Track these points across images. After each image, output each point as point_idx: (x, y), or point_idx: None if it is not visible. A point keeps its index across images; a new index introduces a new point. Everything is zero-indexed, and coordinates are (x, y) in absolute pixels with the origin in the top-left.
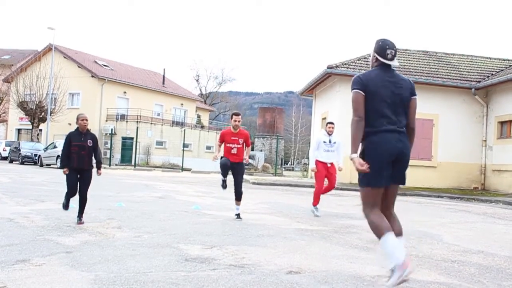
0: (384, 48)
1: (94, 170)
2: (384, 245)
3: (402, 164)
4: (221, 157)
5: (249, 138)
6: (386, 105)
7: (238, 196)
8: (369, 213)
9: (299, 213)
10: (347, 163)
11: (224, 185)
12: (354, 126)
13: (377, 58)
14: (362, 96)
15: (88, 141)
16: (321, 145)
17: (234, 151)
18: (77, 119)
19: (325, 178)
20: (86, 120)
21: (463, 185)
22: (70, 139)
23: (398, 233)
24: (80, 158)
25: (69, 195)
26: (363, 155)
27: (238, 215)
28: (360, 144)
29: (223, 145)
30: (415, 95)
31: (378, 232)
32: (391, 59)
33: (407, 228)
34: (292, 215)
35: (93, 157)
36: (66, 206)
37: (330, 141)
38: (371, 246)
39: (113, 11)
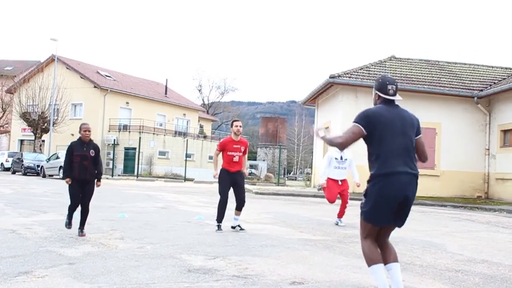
0: (384, 84)
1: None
2: (372, 273)
3: (405, 209)
4: (220, 171)
5: (248, 147)
6: (395, 145)
7: (241, 204)
8: (363, 241)
9: (302, 223)
10: (349, 175)
11: (219, 229)
12: (333, 143)
13: (379, 96)
14: (361, 134)
15: (90, 151)
16: (332, 162)
17: (236, 159)
18: (80, 129)
19: (338, 195)
20: (89, 131)
21: (466, 194)
22: (72, 149)
23: (394, 260)
24: (82, 168)
25: (72, 209)
26: (365, 194)
27: (239, 226)
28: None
29: (220, 154)
30: (420, 134)
31: (367, 261)
32: (393, 95)
33: (410, 238)
34: (295, 225)
35: (97, 168)
36: (69, 224)
37: (341, 158)
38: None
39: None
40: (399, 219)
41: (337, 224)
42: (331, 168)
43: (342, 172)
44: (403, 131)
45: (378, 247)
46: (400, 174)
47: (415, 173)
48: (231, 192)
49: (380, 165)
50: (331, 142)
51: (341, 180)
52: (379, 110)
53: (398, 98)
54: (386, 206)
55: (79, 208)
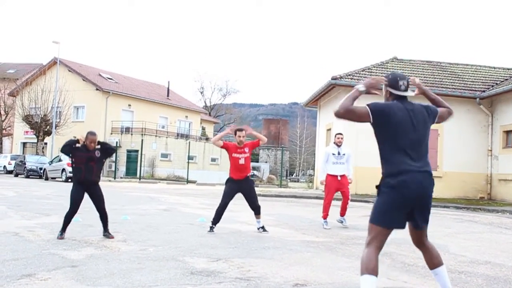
0: (395, 79)
1: (100, 184)
2: (361, 283)
3: (424, 207)
4: (227, 179)
5: (255, 143)
6: (407, 142)
7: (257, 210)
8: (366, 246)
9: (305, 225)
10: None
11: (211, 230)
12: (337, 106)
13: (391, 92)
14: (364, 117)
15: (96, 152)
16: (330, 158)
17: (241, 161)
18: (86, 138)
19: (337, 191)
20: (95, 142)
21: (469, 195)
22: (75, 149)
23: (438, 263)
24: (88, 169)
25: (69, 216)
26: (379, 190)
27: (263, 228)
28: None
29: (228, 157)
30: (436, 116)
31: (361, 268)
32: (405, 90)
33: None
34: (297, 226)
35: (101, 169)
36: (61, 234)
37: (339, 153)
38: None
39: (117, 24)
40: (421, 218)
41: (341, 223)
42: (328, 164)
43: (340, 168)
44: (416, 128)
45: (422, 251)
46: (413, 172)
47: (429, 170)
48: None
49: (392, 164)
50: (343, 100)
51: (340, 176)
52: (392, 106)
53: (410, 94)
54: (398, 206)
55: (79, 211)
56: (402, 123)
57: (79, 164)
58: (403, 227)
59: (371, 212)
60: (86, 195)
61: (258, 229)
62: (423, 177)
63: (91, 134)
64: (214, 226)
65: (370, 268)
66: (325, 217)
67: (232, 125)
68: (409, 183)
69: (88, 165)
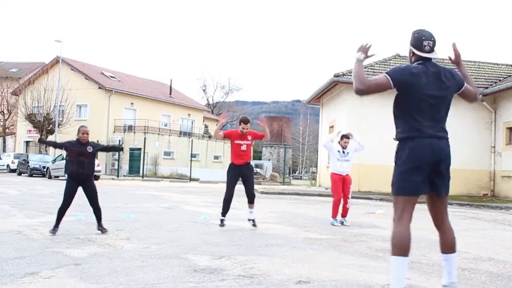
0: (420, 39)
1: (103, 182)
2: (392, 265)
3: (443, 172)
4: (229, 166)
5: (258, 135)
6: (428, 106)
7: (251, 198)
8: (395, 222)
9: (308, 222)
10: (354, 171)
11: (222, 223)
12: (354, 83)
13: (414, 52)
14: (387, 85)
15: (88, 147)
16: (335, 154)
17: (243, 147)
18: (78, 131)
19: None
20: (87, 133)
21: (472, 192)
22: (67, 144)
23: (450, 249)
24: (79, 164)
25: (62, 210)
26: (396, 158)
27: (253, 222)
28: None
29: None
30: (462, 86)
31: (392, 248)
32: (430, 51)
33: (417, 236)
34: (300, 224)
35: (94, 164)
36: (54, 229)
37: (343, 152)
38: (381, 255)
39: (119, 23)
40: (441, 185)
41: (342, 224)
42: (333, 161)
43: (344, 165)
44: (438, 92)
45: (438, 231)
46: (430, 136)
47: (445, 136)
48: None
49: (408, 127)
50: (354, 77)
51: (345, 173)
52: (413, 68)
53: (435, 56)
54: (417, 170)
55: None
56: (422, 87)
57: (70, 158)
58: (427, 191)
59: (393, 184)
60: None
61: (249, 220)
62: (438, 141)
63: (82, 126)
64: (224, 217)
65: (403, 249)
66: (334, 215)
67: (223, 113)
68: (423, 146)
69: (79, 159)
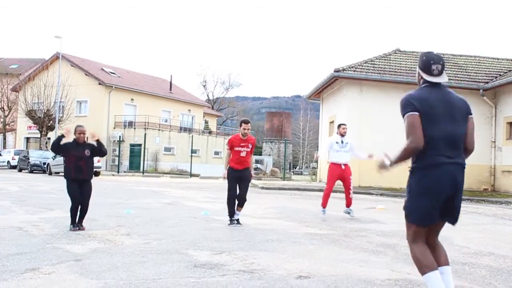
0: (428, 63)
1: (93, 181)
2: (427, 283)
3: (455, 203)
4: (228, 170)
5: (255, 144)
6: (441, 133)
7: (242, 202)
8: (412, 245)
9: (308, 217)
10: (355, 166)
11: (231, 223)
12: (408, 152)
13: (422, 76)
14: (418, 118)
15: (86, 151)
16: (334, 146)
17: (243, 154)
18: (75, 131)
19: (339, 180)
20: (84, 133)
21: (472, 187)
22: (66, 147)
23: (445, 262)
24: (77, 169)
25: (74, 209)
26: (409, 187)
27: (237, 221)
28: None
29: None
30: (471, 114)
31: (420, 268)
32: (438, 75)
33: None
34: (301, 219)
35: (93, 167)
36: (73, 224)
37: (342, 142)
38: (381, 250)
39: (119, 19)
40: (450, 215)
41: (348, 214)
42: (332, 152)
43: (344, 155)
44: (450, 117)
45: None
46: (446, 165)
47: (462, 163)
48: None
49: (423, 156)
50: (404, 156)
51: (343, 165)
52: (422, 93)
53: (443, 80)
54: (431, 202)
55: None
56: (432, 111)
57: (69, 164)
58: (439, 221)
59: (407, 209)
60: None
61: (232, 220)
62: (457, 169)
63: (79, 126)
64: (233, 218)
65: (431, 264)
66: (324, 205)
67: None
68: (442, 176)
69: (78, 164)
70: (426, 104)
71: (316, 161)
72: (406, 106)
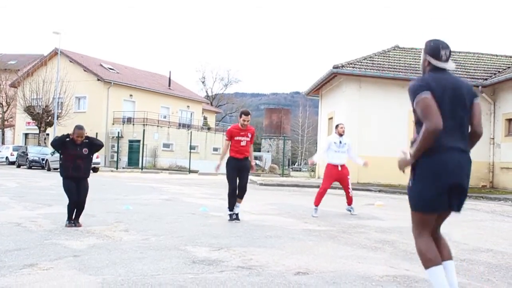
0: (437, 49)
1: (89, 180)
2: (430, 277)
3: (460, 190)
4: (228, 160)
5: (254, 134)
6: (449, 117)
7: (242, 192)
8: (417, 238)
9: (307, 214)
10: (353, 165)
11: (231, 218)
12: (429, 136)
13: (429, 62)
14: (433, 98)
15: (84, 149)
16: (332, 146)
17: (243, 143)
18: (73, 132)
19: (336, 181)
20: (82, 137)
21: (471, 183)
22: (65, 143)
23: (448, 257)
24: (75, 167)
25: (72, 207)
26: (413, 174)
27: (236, 216)
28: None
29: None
30: (477, 96)
31: (424, 263)
32: (446, 61)
33: None
34: (299, 215)
35: (90, 165)
36: (70, 222)
37: (340, 142)
38: (380, 246)
39: (118, 15)
40: (455, 202)
41: (350, 212)
42: (330, 152)
43: (341, 156)
44: (456, 103)
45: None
46: (452, 150)
47: (467, 150)
48: None
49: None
50: (425, 142)
51: (340, 166)
52: (429, 79)
53: (451, 66)
54: (438, 187)
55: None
56: (439, 97)
57: (66, 162)
58: (447, 208)
59: (412, 198)
60: None
61: (231, 215)
62: (462, 156)
63: (78, 128)
64: (233, 212)
65: (435, 259)
66: (316, 204)
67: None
68: (448, 161)
69: (75, 163)
70: (439, 85)
71: (312, 166)
72: (418, 88)
